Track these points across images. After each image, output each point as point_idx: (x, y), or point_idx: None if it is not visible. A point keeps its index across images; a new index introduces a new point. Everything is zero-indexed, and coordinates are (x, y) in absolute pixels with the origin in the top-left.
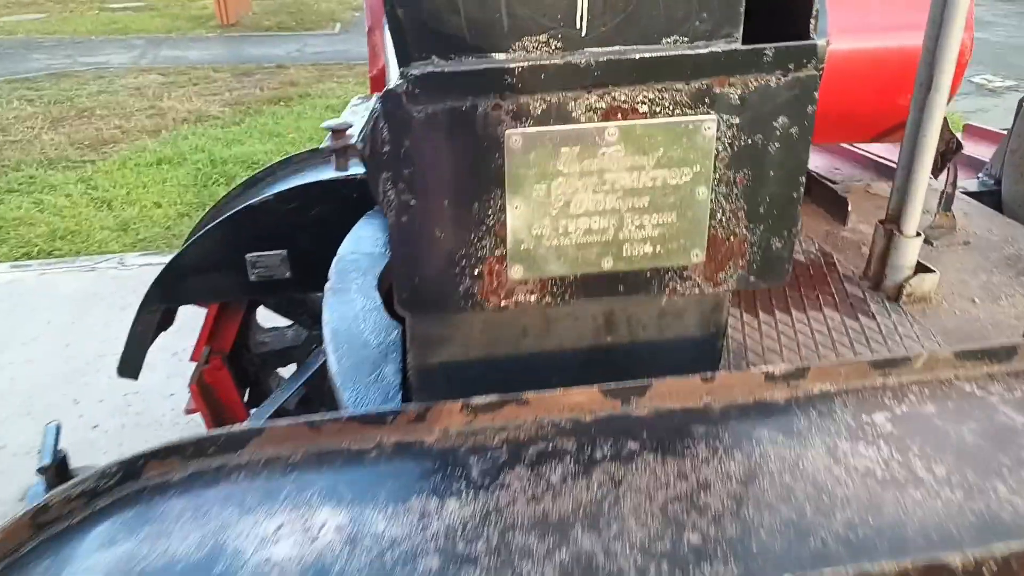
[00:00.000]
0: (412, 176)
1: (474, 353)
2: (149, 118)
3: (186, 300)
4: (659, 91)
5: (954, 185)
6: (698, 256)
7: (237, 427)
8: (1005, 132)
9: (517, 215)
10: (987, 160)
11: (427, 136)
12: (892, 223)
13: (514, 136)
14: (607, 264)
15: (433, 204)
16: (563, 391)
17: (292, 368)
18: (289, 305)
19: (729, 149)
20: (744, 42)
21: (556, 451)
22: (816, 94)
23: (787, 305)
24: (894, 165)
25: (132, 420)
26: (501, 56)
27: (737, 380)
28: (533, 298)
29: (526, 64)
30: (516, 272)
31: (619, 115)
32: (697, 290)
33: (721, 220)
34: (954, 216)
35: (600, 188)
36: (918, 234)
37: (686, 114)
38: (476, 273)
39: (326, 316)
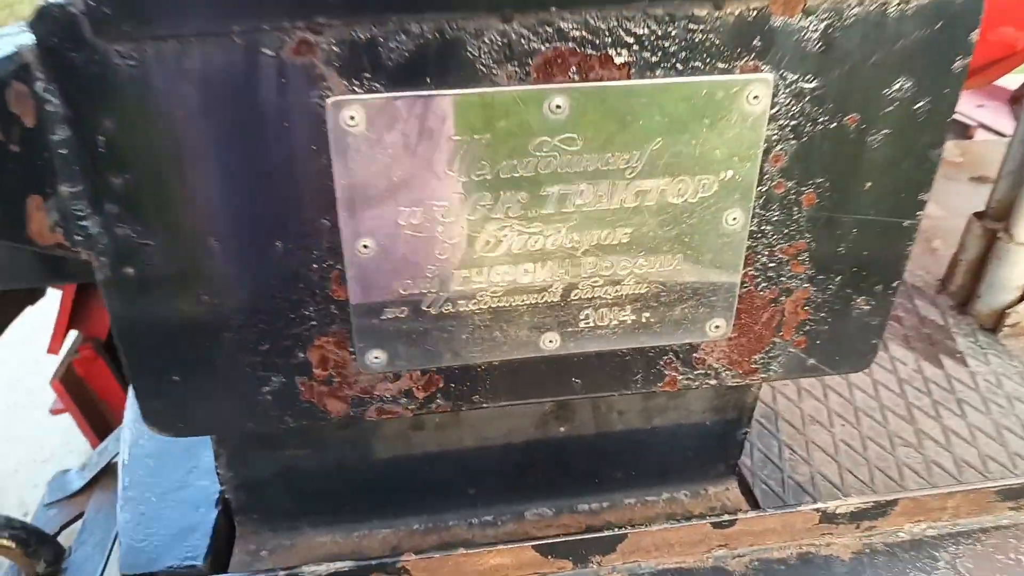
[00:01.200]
0: (134, 190)
1: (331, 456)
2: None
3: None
4: (659, 22)
5: None
6: (719, 328)
7: None
8: None
9: (370, 260)
10: None
11: (152, 106)
12: (997, 221)
13: (348, 109)
14: (549, 344)
15: (188, 243)
16: (465, 552)
17: None
18: None
19: (793, 139)
20: None
21: None
22: (974, 38)
23: None
24: (964, 119)
25: None
26: None
27: (771, 524)
28: (410, 406)
29: None
30: (375, 360)
31: (573, 69)
32: (714, 380)
33: (766, 266)
34: None
35: (536, 212)
36: None
37: (713, 69)
38: (296, 364)
39: None
